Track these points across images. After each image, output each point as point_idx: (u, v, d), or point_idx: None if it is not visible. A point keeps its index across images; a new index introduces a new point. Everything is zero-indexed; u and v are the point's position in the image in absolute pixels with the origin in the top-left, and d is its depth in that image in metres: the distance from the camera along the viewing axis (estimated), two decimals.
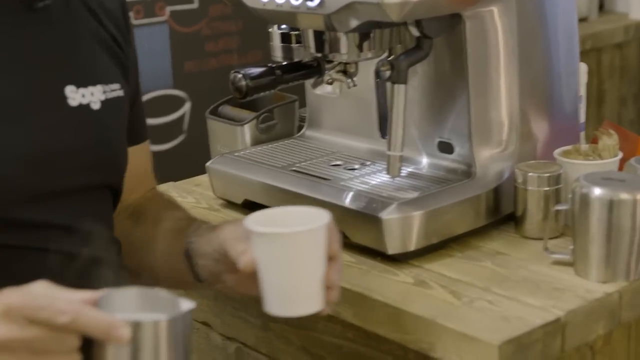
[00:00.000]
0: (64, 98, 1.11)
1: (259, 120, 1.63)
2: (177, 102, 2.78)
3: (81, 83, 1.13)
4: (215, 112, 1.69)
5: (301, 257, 1.04)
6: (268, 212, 1.11)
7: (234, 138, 1.64)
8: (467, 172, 1.40)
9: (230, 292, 1.22)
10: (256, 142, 1.64)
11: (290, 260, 1.04)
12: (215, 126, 1.68)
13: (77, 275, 0.95)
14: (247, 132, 1.63)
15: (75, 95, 1.12)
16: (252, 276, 1.06)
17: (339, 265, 1.08)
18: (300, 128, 1.67)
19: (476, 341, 1.10)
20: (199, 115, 2.64)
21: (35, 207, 1.06)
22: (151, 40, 2.67)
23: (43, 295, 0.88)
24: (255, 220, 1.06)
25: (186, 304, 0.94)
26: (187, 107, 2.79)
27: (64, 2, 1.14)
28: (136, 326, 0.89)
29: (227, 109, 1.69)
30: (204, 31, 2.82)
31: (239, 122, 1.64)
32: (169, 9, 2.72)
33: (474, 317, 1.14)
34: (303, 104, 1.69)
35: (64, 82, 1.12)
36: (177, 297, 0.94)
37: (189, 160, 2.14)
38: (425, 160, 1.45)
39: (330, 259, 1.06)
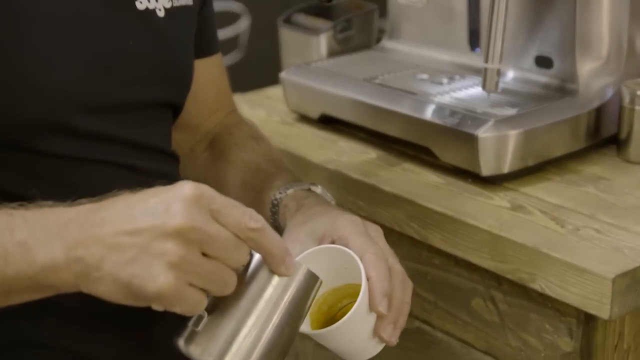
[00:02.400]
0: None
1: (336, 30, 1.52)
2: (233, 16, 2.66)
3: None
4: (288, 21, 1.58)
5: (348, 340, 0.94)
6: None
7: (309, 49, 1.54)
8: (564, 89, 1.28)
9: None
10: (332, 53, 1.54)
11: (337, 344, 0.94)
12: (288, 36, 1.57)
13: (135, 189, 0.84)
14: (323, 42, 1.52)
15: None
16: None
17: (390, 317, 0.93)
18: (378, 40, 1.56)
19: (586, 273, 0.99)
20: (257, 30, 2.52)
21: (95, 116, 0.95)
22: None
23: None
24: None
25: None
26: (245, 21, 2.67)
27: None
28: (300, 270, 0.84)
29: (301, 18, 1.58)
30: None
31: (315, 31, 1.53)
32: None
33: (581, 247, 1.04)
34: (382, 14, 1.57)
35: None
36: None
37: (246, 77, 2.04)
38: (519, 75, 1.34)
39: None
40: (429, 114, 1.24)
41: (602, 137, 1.27)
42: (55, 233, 0.78)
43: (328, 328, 0.90)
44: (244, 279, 0.82)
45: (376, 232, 0.98)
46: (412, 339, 1.22)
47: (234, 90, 1.30)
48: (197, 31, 1.12)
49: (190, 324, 0.82)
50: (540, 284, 1.04)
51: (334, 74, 1.41)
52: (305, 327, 0.91)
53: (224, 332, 0.81)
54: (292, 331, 0.84)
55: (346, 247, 0.93)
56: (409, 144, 1.28)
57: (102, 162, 0.96)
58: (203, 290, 0.78)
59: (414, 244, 1.20)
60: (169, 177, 0.88)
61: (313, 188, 1.07)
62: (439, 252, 1.17)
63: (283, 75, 1.44)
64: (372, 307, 0.91)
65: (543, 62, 1.30)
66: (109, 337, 0.98)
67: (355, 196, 1.24)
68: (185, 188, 0.78)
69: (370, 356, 0.96)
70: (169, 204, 0.77)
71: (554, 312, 1.06)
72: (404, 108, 1.27)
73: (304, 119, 1.45)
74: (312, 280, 0.85)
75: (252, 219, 0.79)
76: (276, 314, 0.82)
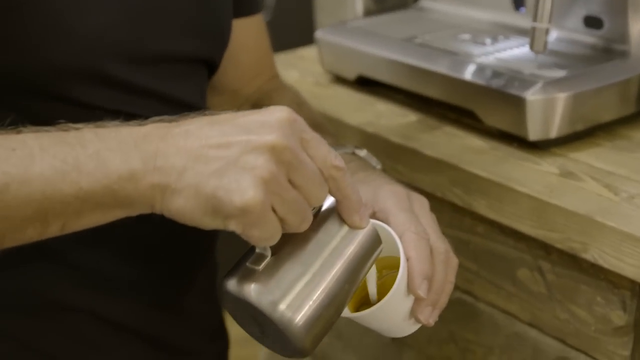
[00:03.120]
0: None
1: None
2: None
3: None
4: None
5: (384, 321, 0.89)
6: None
7: (344, 8, 1.48)
8: (613, 50, 1.22)
9: None
10: (368, 13, 1.48)
11: (373, 325, 0.90)
12: None
13: None
14: (359, 0, 1.47)
15: None
16: None
17: (429, 300, 0.88)
18: (416, 0, 1.51)
19: None
20: None
21: (127, 66, 0.90)
22: None
23: None
24: None
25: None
26: None
27: None
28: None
29: None
30: None
31: None
32: None
33: (637, 216, 0.98)
34: None
35: None
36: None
37: (274, 39, 1.99)
38: (564, 36, 1.28)
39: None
40: (472, 75, 1.18)
41: None
42: (132, 144, 0.74)
43: (364, 312, 0.86)
44: (312, 223, 0.77)
45: (421, 205, 0.93)
46: (453, 310, 1.17)
47: None
48: None
49: (249, 262, 0.77)
50: (593, 254, 0.99)
51: (372, 33, 1.35)
52: None
53: (288, 273, 0.76)
54: (349, 289, 0.80)
55: (387, 221, 0.89)
56: (450, 107, 1.23)
57: (132, 116, 0.91)
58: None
59: (456, 211, 1.15)
60: None
61: (357, 152, 1.02)
62: (483, 220, 1.12)
63: (319, 34, 1.39)
64: (410, 289, 0.86)
65: (592, 22, 1.24)
66: (135, 302, 0.96)
67: (395, 161, 1.19)
68: (280, 110, 0.75)
69: (408, 334, 0.92)
70: (264, 122, 0.73)
71: (607, 283, 1.01)
72: (445, 69, 1.21)
73: (339, 80, 1.40)
74: (377, 240, 0.82)
75: (337, 158, 0.76)
76: (339, 265, 0.78)
